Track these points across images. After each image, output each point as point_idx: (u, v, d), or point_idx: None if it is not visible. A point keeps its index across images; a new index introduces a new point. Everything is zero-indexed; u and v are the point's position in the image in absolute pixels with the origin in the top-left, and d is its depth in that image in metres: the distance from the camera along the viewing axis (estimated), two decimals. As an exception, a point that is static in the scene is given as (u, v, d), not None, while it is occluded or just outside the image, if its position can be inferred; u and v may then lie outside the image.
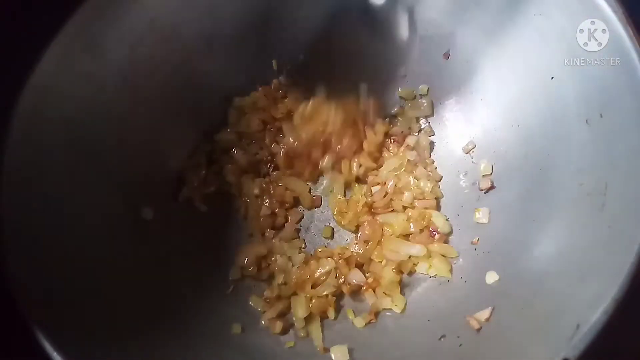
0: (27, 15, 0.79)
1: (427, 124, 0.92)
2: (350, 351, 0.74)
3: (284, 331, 0.78)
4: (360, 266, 0.82)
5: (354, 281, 0.80)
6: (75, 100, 0.75)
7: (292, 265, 0.83)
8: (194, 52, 0.87)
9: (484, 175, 0.83)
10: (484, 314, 0.68)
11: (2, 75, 0.70)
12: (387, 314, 0.79)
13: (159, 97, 0.85)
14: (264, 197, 0.89)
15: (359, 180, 0.90)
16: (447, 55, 0.86)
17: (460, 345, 0.67)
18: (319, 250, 0.84)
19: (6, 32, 0.77)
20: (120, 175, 0.79)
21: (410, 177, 0.86)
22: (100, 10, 0.76)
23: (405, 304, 0.78)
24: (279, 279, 0.81)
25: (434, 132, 0.91)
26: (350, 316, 0.79)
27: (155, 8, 0.81)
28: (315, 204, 0.90)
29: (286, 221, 0.88)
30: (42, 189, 0.70)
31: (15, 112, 0.68)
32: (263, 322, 0.79)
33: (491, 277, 0.73)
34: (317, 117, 0.88)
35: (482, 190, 0.82)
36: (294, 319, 0.79)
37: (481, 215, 0.80)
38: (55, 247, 0.68)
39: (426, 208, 0.84)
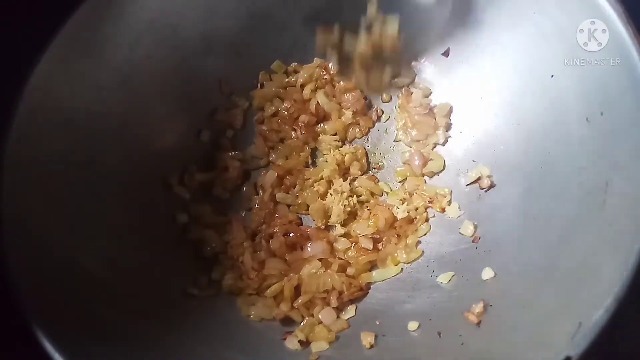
0: (27, 15, 0.80)
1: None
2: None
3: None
4: None
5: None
6: (75, 100, 0.75)
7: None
8: (193, 52, 0.88)
9: (484, 174, 0.83)
10: (478, 307, 0.69)
11: (2, 75, 0.70)
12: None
13: (158, 97, 0.85)
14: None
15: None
16: (446, 54, 0.87)
17: (462, 344, 0.67)
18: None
19: (6, 32, 0.77)
20: (119, 175, 0.79)
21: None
22: (99, 10, 0.77)
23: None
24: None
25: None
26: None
27: (154, 8, 0.82)
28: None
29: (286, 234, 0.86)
30: (42, 189, 0.70)
31: (15, 112, 0.69)
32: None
33: (487, 274, 0.73)
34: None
35: (482, 189, 0.82)
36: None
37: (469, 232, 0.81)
38: (56, 247, 0.68)
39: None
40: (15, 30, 0.78)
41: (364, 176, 0.90)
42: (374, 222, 0.84)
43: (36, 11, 0.79)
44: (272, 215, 0.88)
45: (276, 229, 0.85)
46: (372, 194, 0.89)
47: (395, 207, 0.86)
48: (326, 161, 0.90)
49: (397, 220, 0.85)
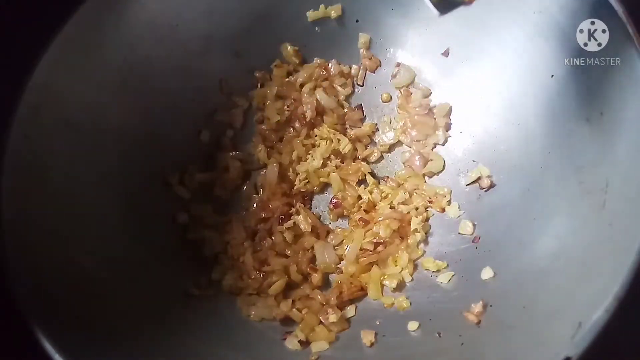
0: (27, 15, 0.80)
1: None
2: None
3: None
4: None
5: None
6: (75, 100, 0.75)
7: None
8: (193, 52, 0.88)
9: (484, 174, 0.82)
10: (478, 307, 0.69)
11: (2, 75, 0.70)
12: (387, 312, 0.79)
13: (158, 97, 0.85)
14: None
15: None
16: (446, 53, 0.87)
17: (462, 344, 0.67)
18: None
19: (6, 32, 0.77)
20: (120, 175, 0.79)
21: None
22: (99, 10, 0.77)
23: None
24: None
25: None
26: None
27: (154, 8, 0.82)
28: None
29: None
30: (42, 189, 0.70)
31: (15, 112, 0.69)
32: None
33: (487, 274, 0.73)
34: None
35: (482, 189, 0.82)
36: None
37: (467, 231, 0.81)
38: (56, 247, 0.68)
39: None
40: (15, 30, 0.78)
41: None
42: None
43: (36, 11, 0.78)
44: (267, 207, 0.88)
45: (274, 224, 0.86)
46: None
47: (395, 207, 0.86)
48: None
49: None
